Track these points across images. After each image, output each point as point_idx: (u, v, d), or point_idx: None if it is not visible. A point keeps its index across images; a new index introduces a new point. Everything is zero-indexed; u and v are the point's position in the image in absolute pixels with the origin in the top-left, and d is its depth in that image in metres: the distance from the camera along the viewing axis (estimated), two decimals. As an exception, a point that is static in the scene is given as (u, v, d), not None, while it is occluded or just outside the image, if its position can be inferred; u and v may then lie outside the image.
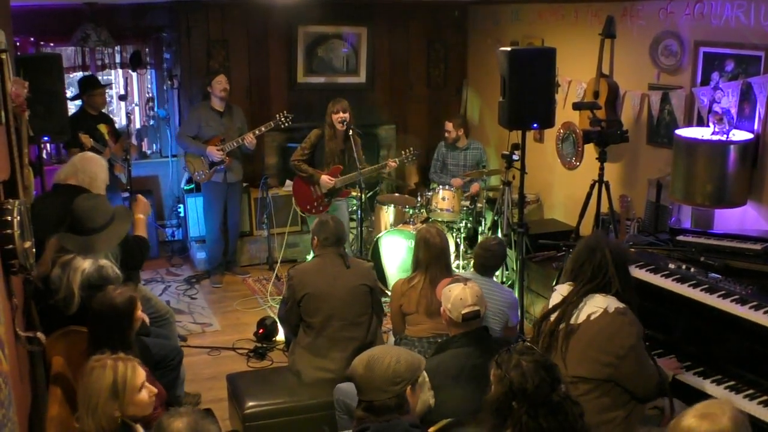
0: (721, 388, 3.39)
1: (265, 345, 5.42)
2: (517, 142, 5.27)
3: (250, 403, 3.98)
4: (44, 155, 6.01)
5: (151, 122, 7.68)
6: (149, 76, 7.63)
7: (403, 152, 6.34)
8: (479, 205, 6.45)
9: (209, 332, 5.78)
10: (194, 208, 7.13)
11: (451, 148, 6.87)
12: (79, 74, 6.90)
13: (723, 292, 3.50)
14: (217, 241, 6.75)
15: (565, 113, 6.01)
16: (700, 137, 4.55)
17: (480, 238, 6.24)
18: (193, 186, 7.13)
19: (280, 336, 5.37)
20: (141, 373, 2.74)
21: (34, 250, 3.04)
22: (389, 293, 4.99)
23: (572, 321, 3.12)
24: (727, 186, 4.45)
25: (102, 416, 2.58)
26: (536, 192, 6.86)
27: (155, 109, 7.65)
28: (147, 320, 3.61)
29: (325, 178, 6.06)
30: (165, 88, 7.57)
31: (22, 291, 3.36)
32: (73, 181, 4.23)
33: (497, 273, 5.22)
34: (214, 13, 7.18)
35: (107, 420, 2.59)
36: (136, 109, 7.73)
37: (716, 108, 4.76)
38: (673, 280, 3.75)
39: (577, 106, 5.42)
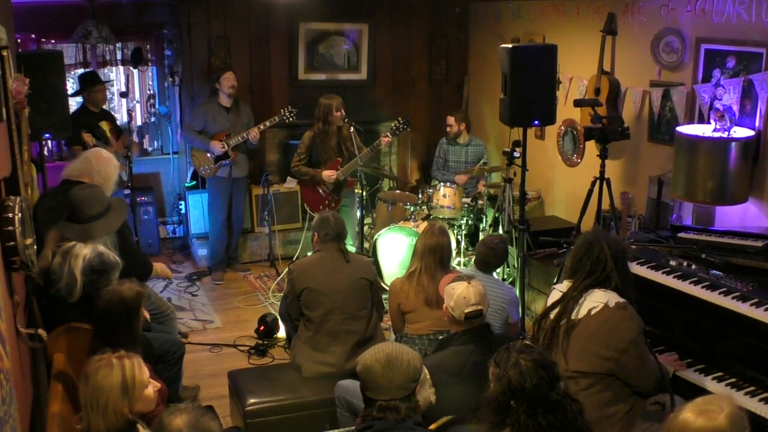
0: (722, 385, 3.39)
1: (266, 342, 5.42)
2: (518, 139, 5.28)
3: (252, 400, 3.98)
4: (46, 152, 6.01)
5: (153, 119, 7.68)
6: (150, 73, 7.63)
7: (393, 125, 6.33)
8: (480, 202, 6.44)
9: (210, 329, 5.79)
10: (195, 205, 7.13)
11: (453, 144, 6.86)
12: (81, 71, 6.90)
13: (724, 289, 3.50)
14: (220, 237, 6.75)
15: (566, 110, 6.02)
16: (701, 134, 4.55)
17: (481, 235, 6.23)
18: (194, 183, 7.14)
19: (281, 333, 5.37)
20: (146, 369, 2.74)
21: (35, 247, 3.05)
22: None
23: (573, 316, 3.13)
24: (728, 183, 4.45)
25: (113, 415, 2.57)
26: (537, 189, 6.85)
27: (156, 106, 7.64)
28: (148, 317, 3.61)
29: (327, 173, 6.12)
30: (166, 85, 7.57)
31: (23, 288, 3.37)
32: (87, 180, 4.14)
33: (498, 270, 5.21)
34: (215, 10, 7.18)
35: (118, 418, 2.58)
36: (137, 106, 7.73)
37: (717, 105, 4.75)
38: (674, 277, 3.74)
39: (578, 103, 5.41)
